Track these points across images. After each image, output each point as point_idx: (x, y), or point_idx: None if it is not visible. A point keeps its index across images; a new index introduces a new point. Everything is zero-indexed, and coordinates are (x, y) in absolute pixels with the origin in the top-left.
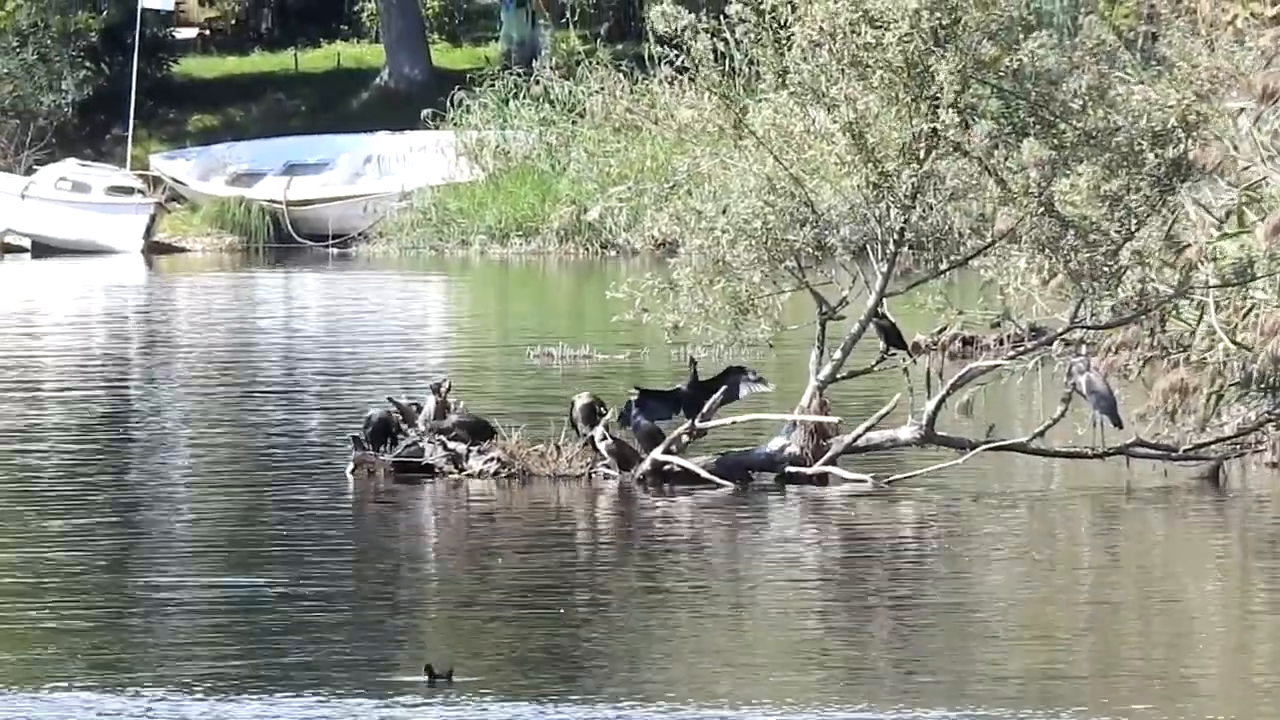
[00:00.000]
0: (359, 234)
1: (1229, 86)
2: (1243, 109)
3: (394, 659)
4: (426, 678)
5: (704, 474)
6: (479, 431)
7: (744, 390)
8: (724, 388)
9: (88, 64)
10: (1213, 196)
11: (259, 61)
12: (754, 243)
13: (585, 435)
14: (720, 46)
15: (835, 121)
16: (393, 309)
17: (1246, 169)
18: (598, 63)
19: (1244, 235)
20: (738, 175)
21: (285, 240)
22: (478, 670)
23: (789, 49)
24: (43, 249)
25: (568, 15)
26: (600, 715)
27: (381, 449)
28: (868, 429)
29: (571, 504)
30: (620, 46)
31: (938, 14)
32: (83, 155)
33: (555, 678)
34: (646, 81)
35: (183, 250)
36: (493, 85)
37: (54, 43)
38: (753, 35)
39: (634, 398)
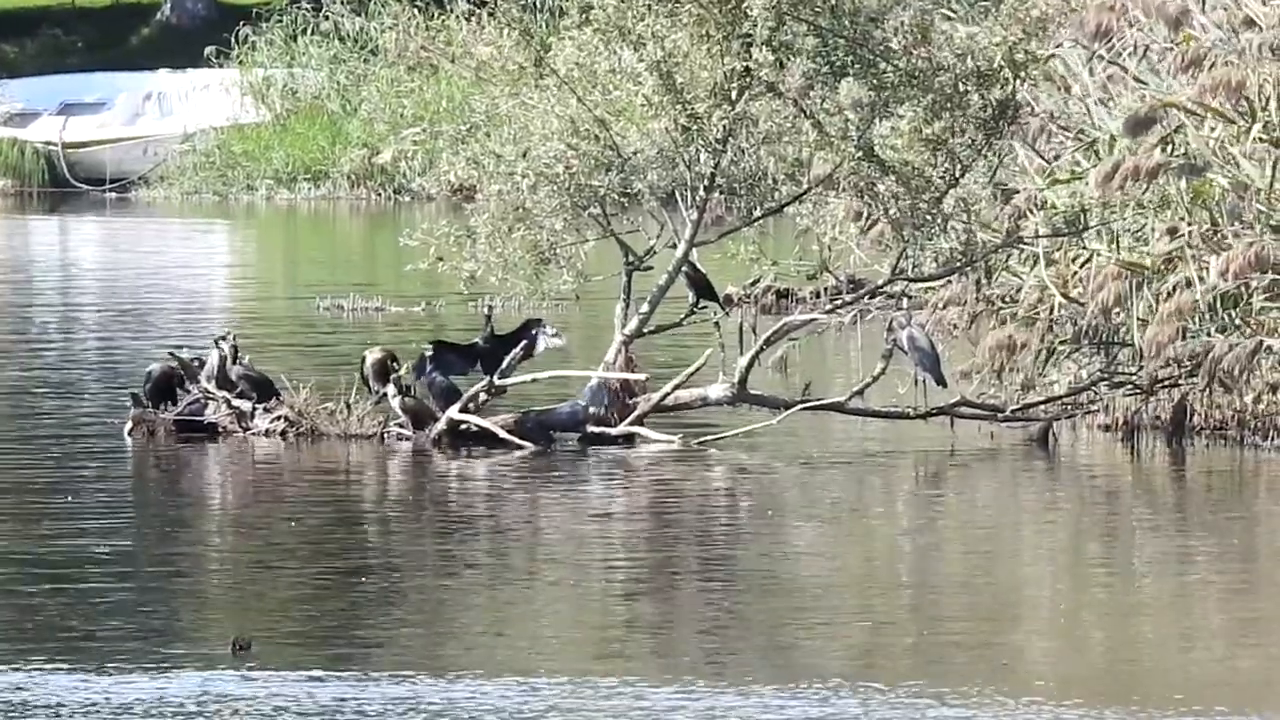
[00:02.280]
0: (139, 178)
1: (1060, 24)
2: (1074, 46)
3: (178, 631)
4: (231, 650)
5: (503, 434)
6: (264, 388)
7: (541, 345)
8: (524, 341)
9: None
10: (1042, 141)
11: None
12: (556, 188)
13: (377, 392)
14: None
15: (642, 60)
16: (175, 257)
17: (1076, 113)
18: None
19: (1076, 183)
20: (539, 117)
21: (61, 184)
22: (270, 642)
23: None
24: None
25: None
26: (398, 690)
27: (162, 407)
28: (676, 387)
29: (363, 465)
30: None
31: None
32: None
33: (349, 650)
34: (443, 17)
35: None
36: (280, 21)
37: None
38: None
39: (428, 352)
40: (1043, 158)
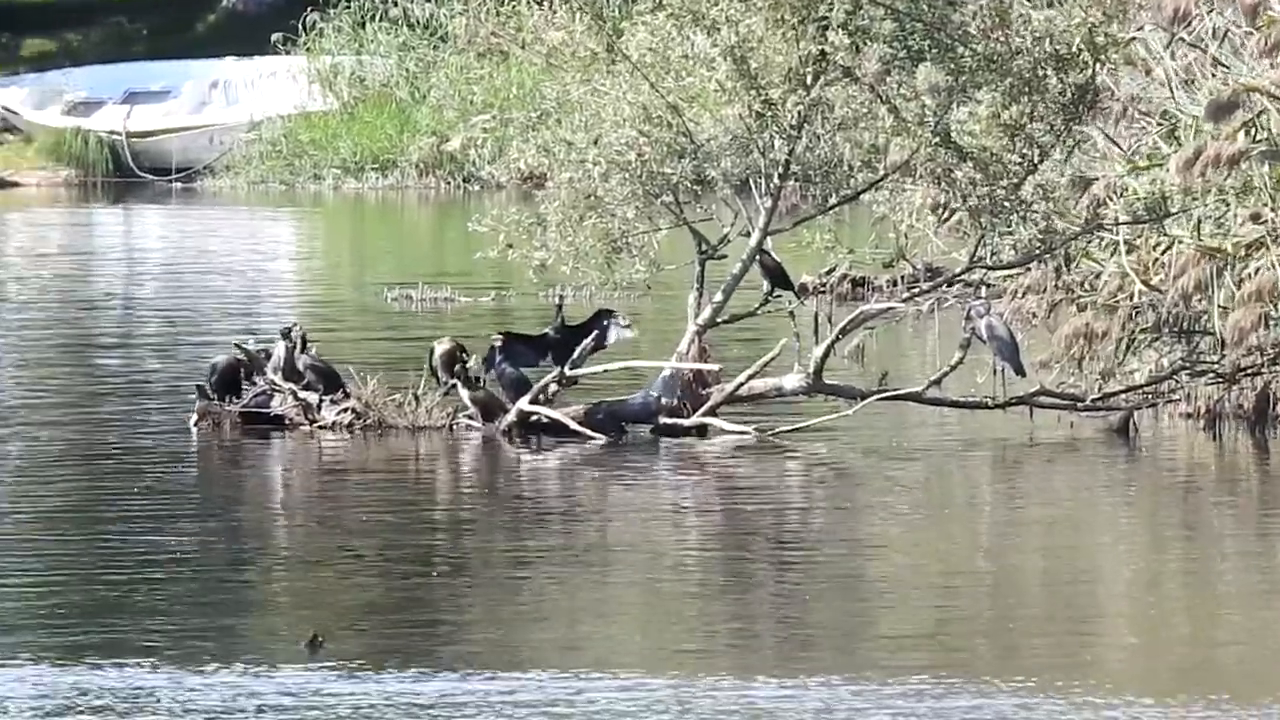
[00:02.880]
0: (204, 167)
1: (1140, 6)
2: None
3: (247, 628)
4: (309, 647)
5: (574, 426)
6: (331, 379)
7: (613, 336)
8: (595, 332)
9: None
10: (1123, 126)
11: None
12: (628, 176)
13: (446, 383)
14: None
15: (716, 45)
16: (241, 248)
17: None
18: None
19: (1156, 169)
20: (611, 103)
21: (126, 174)
22: (343, 639)
23: None
24: None
25: None
26: (471, 685)
27: (228, 399)
28: (750, 377)
29: (432, 458)
30: None
31: None
32: None
33: (421, 645)
34: (513, 2)
35: (15, 185)
36: (348, 7)
37: None
38: None
39: (498, 343)
40: (1116, 144)
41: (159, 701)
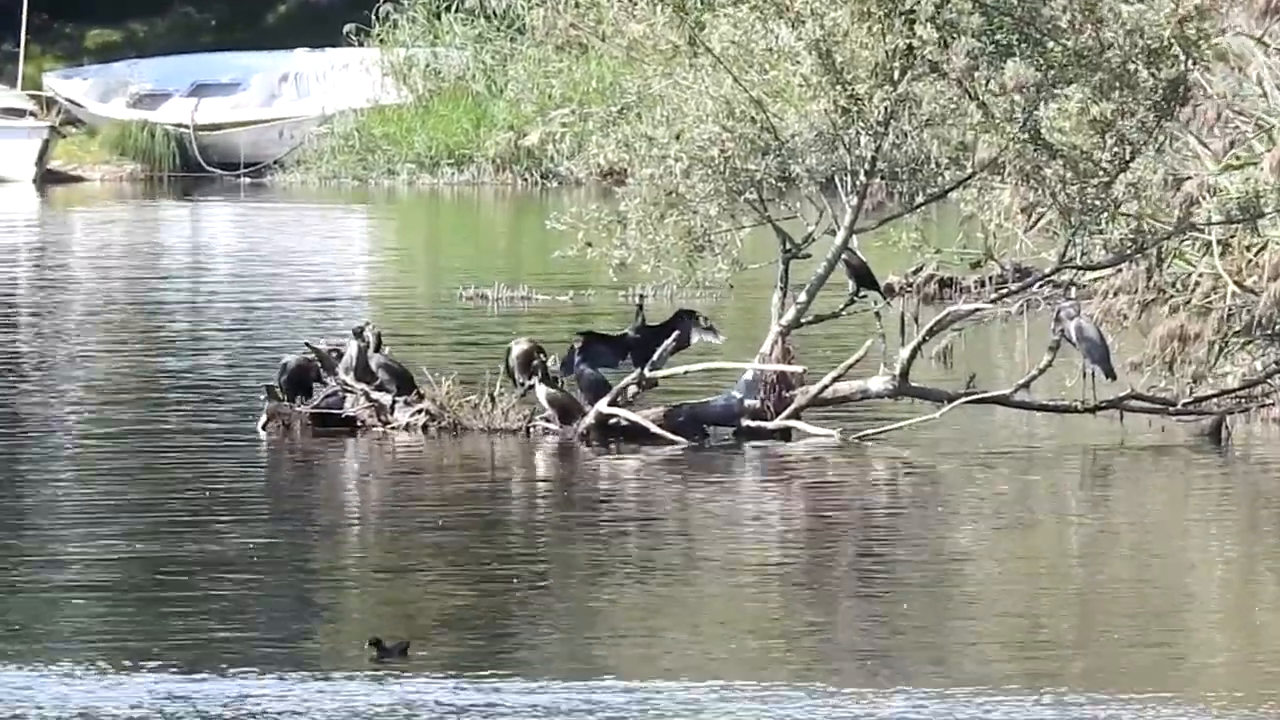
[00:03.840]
0: (274, 162)
1: (1231, 1)
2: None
3: (319, 633)
4: (374, 651)
5: (654, 429)
6: (405, 380)
7: (695, 337)
8: (676, 333)
9: None
10: (1216, 126)
11: None
12: (710, 172)
13: (523, 384)
14: None
15: (800, 38)
16: (312, 245)
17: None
18: None
19: (1250, 168)
20: (693, 98)
21: (193, 168)
22: (424, 647)
23: None
24: None
25: None
26: (551, 695)
27: (298, 400)
28: (835, 379)
29: (508, 461)
30: None
31: None
32: None
33: (498, 653)
34: None
35: (79, 180)
36: None
37: None
38: None
39: (577, 343)
40: (1204, 144)
41: (262, 709)
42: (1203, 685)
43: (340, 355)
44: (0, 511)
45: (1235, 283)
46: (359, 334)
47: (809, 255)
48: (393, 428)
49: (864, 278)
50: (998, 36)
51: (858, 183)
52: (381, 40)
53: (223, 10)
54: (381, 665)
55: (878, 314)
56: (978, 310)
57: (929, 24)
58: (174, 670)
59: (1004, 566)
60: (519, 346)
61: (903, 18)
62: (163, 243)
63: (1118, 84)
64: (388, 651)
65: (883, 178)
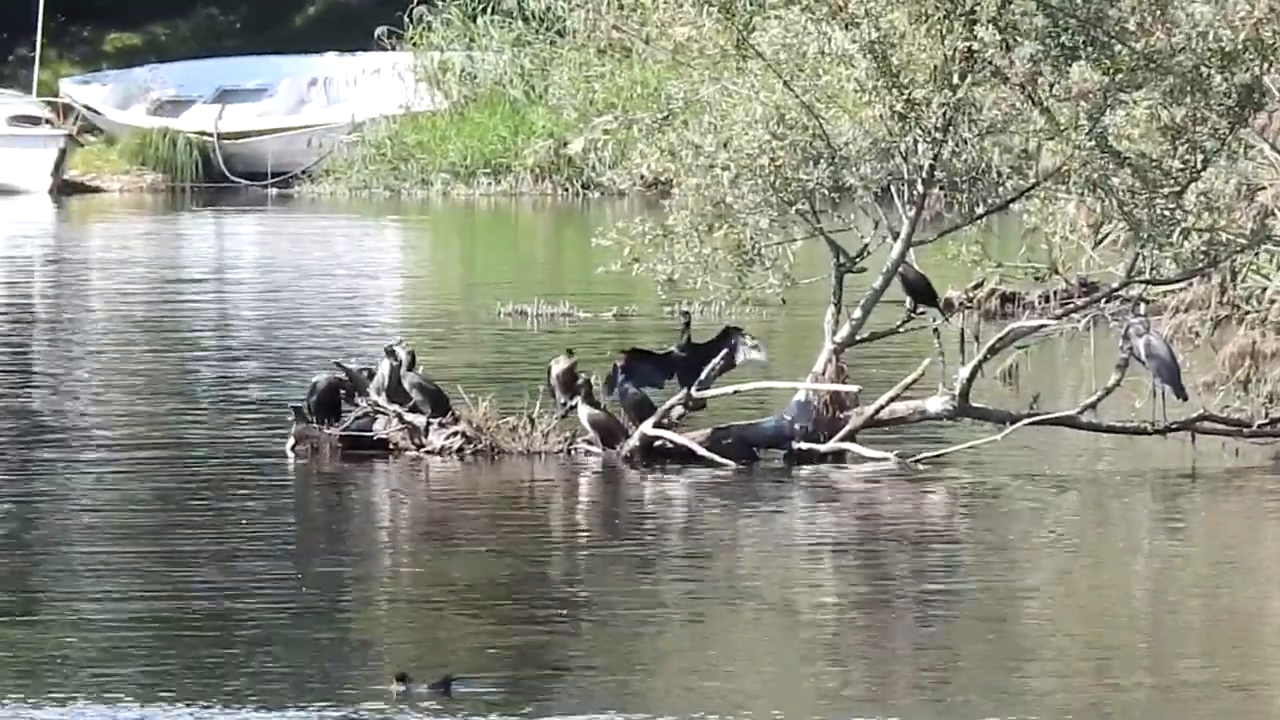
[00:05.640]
0: (303, 171)
1: None
2: None
3: (352, 666)
4: (400, 686)
5: (701, 451)
6: (439, 400)
7: (741, 356)
8: (724, 351)
9: None
10: None
11: None
12: (760, 182)
13: (564, 404)
14: None
15: (855, 41)
16: (342, 259)
17: None
18: None
19: None
20: (742, 104)
21: (217, 178)
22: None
23: None
24: None
25: None
26: None
27: (328, 421)
28: (891, 400)
29: (549, 486)
30: None
31: None
32: None
33: (539, 686)
34: None
35: (97, 190)
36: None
37: None
38: None
39: (620, 362)
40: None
41: None
42: None
43: (372, 375)
44: (23, 534)
45: None
46: (391, 353)
47: (864, 269)
48: (427, 451)
49: (921, 293)
50: (1063, 39)
51: (915, 193)
52: (415, 43)
53: (248, 12)
54: (407, 700)
55: (936, 331)
56: (1042, 327)
57: (990, 25)
58: (203, 703)
59: (1070, 599)
60: (560, 364)
61: (963, 19)
62: (186, 257)
63: (1189, 89)
64: (413, 685)
65: (941, 188)
